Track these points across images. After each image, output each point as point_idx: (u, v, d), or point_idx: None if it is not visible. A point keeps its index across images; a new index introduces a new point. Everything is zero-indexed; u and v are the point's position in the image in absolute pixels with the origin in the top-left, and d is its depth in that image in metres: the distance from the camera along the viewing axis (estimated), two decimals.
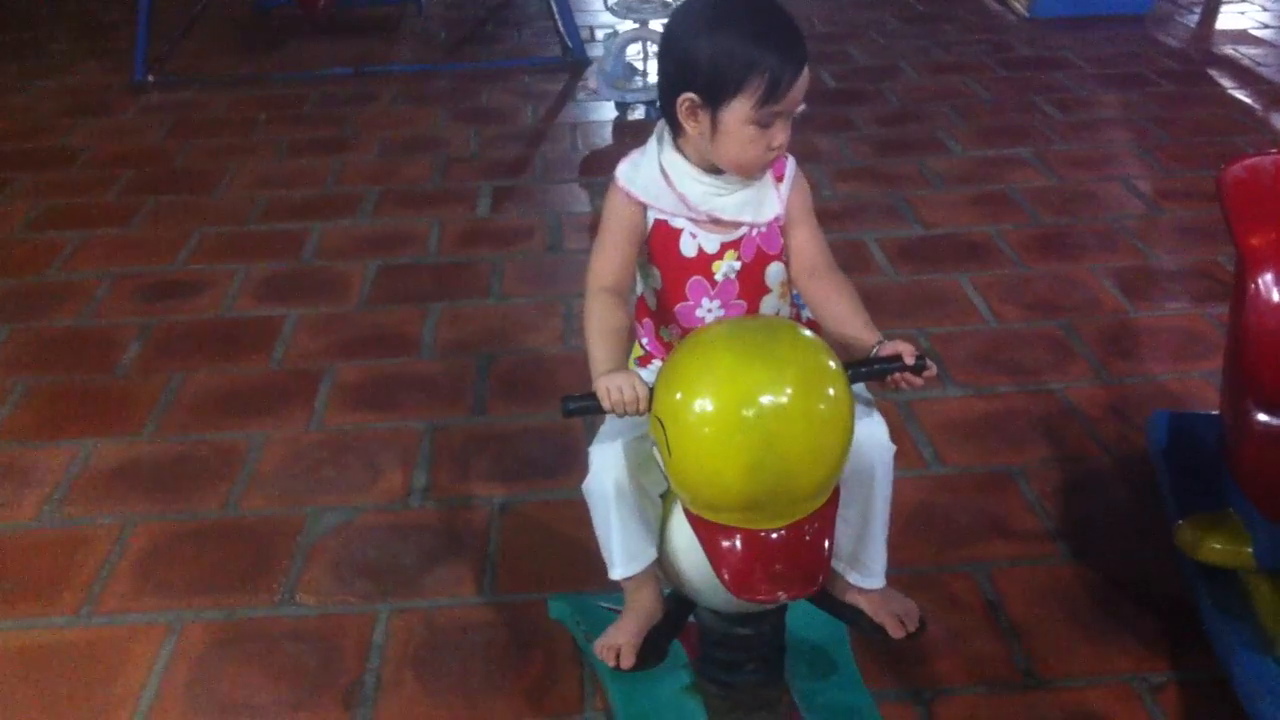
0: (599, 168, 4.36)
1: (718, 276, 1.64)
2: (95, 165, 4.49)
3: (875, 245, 3.59)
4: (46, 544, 2.44)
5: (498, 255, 3.67)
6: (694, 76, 1.54)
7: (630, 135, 4.68)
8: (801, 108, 1.56)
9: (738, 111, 1.53)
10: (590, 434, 2.65)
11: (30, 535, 2.47)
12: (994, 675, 2.05)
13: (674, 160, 1.63)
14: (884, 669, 2.04)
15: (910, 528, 2.35)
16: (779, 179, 1.65)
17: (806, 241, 1.66)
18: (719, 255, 1.63)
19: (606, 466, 1.59)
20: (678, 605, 1.76)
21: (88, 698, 2.06)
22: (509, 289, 3.46)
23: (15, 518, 2.52)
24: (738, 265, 1.63)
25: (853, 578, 1.70)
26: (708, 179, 1.61)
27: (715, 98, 1.54)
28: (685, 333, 1.69)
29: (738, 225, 1.62)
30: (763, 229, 1.63)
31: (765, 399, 1.36)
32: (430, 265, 3.63)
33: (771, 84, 1.50)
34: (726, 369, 1.40)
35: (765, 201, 1.63)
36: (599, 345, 1.60)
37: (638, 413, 1.49)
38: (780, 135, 1.55)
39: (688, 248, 1.64)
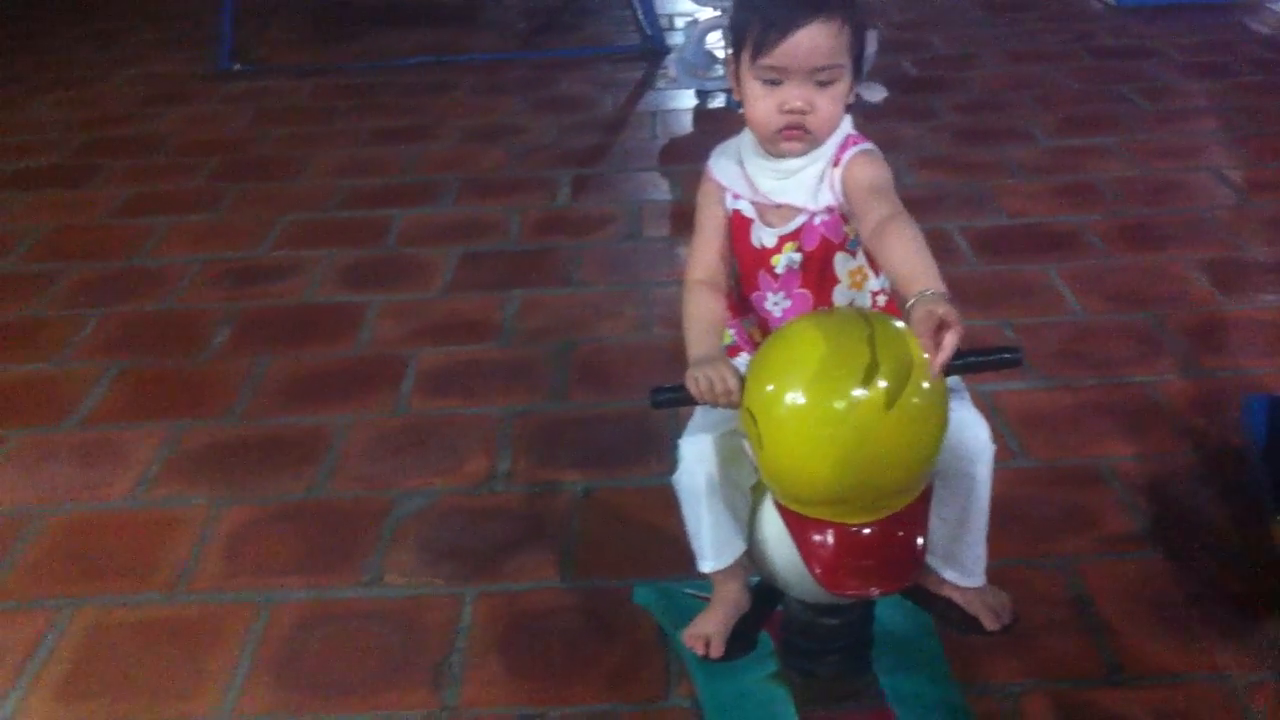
0: (678, 156, 4.36)
1: (779, 270, 1.63)
2: (181, 152, 4.57)
3: (958, 234, 3.56)
4: (139, 523, 2.49)
5: (576, 243, 3.68)
6: (730, 37, 1.59)
7: (710, 123, 4.67)
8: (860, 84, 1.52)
9: (745, 67, 1.54)
10: (672, 422, 2.67)
11: (123, 514, 2.53)
12: (1082, 671, 2.02)
13: (748, 140, 1.63)
14: (970, 662, 2.02)
15: (996, 521, 2.31)
16: (835, 163, 1.59)
17: (867, 202, 1.53)
18: (777, 249, 1.63)
19: (698, 460, 1.59)
20: (765, 595, 1.76)
21: (181, 673, 2.10)
22: (588, 277, 3.48)
23: (109, 497, 2.58)
24: (798, 256, 1.62)
25: (949, 574, 1.69)
26: (767, 161, 1.61)
27: (736, 55, 1.56)
28: (762, 323, 1.69)
29: (794, 214, 1.61)
30: (824, 216, 1.61)
31: (857, 392, 1.35)
32: (510, 253, 3.65)
33: (761, 34, 1.49)
34: (818, 362, 1.39)
35: (820, 188, 1.61)
36: (691, 333, 1.60)
37: (729, 405, 1.49)
38: (795, 97, 1.51)
39: (756, 239, 1.64)
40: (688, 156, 4.32)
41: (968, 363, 1.51)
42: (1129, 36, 5.47)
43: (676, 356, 1.61)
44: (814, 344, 1.41)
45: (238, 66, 5.51)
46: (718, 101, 4.83)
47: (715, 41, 4.99)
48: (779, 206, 1.61)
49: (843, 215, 1.61)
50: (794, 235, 1.61)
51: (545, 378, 2.96)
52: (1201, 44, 5.31)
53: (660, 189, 4.10)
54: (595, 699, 2.01)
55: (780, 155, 1.59)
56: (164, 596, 2.28)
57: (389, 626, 2.18)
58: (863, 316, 1.51)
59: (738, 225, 1.65)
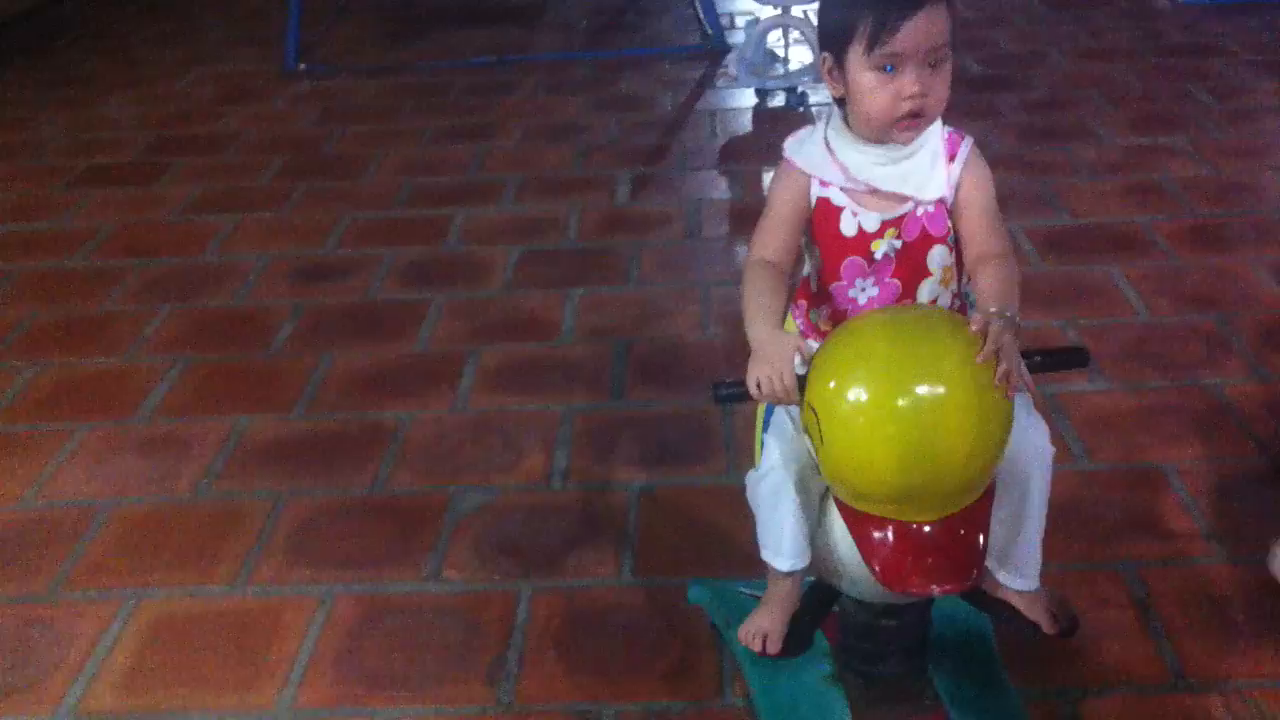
0: (738, 155, 4.36)
1: (876, 255, 1.61)
2: (248, 151, 4.63)
3: (1022, 234, 3.52)
4: (203, 516, 2.53)
5: (636, 242, 3.69)
6: (824, 35, 1.57)
7: (770, 123, 4.66)
8: (945, 58, 1.51)
9: (855, 60, 1.52)
10: (729, 422, 2.67)
11: (188, 507, 2.57)
12: (1143, 676, 2.00)
13: (838, 131, 1.61)
14: (1028, 666, 2.00)
15: (1058, 523, 2.26)
16: (951, 159, 1.60)
17: (977, 228, 1.59)
18: (879, 234, 1.60)
19: (786, 457, 1.58)
20: (822, 594, 1.75)
21: (242, 665, 2.13)
22: (647, 275, 3.48)
23: (174, 490, 2.62)
24: (898, 244, 1.60)
25: (1002, 577, 1.67)
26: (869, 149, 1.59)
27: (838, 51, 1.54)
28: (835, 314, 1.67)
29: (900, 201, 1.59)
30: (929, 208, 1.60)
31: (921, 389, 1.35)
32: (570, 251, 3.66)
33: (878, 22, 1.48)
34: (882, 358, 1.38)
35: (932, 179, 1.60)
36: (751, 310, 1.58)
37: (789, 404, 1.48)
38: (911, 83, 1.50)
39: (848, 226, 1.62)
40: (747, 156, 4.32)
41: (1034, 363, 1.50)
42: (1197, 34, 5.38)
43: (735, 355, 1.61)
44: (879, 340, 1.41)
45: (304, 66, 5.57)
46: (777, 101, 4.82)
47: (776, 41, 4.98)
48: (875, 193, 1.60)
49: (949, 209, 1.60)
50: (896, 222, 1.60)
51: (604, 376, 2.97)
52: (1270, 42, 5.22)
53: (719, 188, 4.09)
54: (651, 696, 2.02)
55: (890, 142, 1.58)
56: (226, 589, 2.32)
57: (447, 622, 2.20)
58: (929, 313, 1.51)
59: (825, 214, 1.62)
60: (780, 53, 4.95)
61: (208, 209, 4.10)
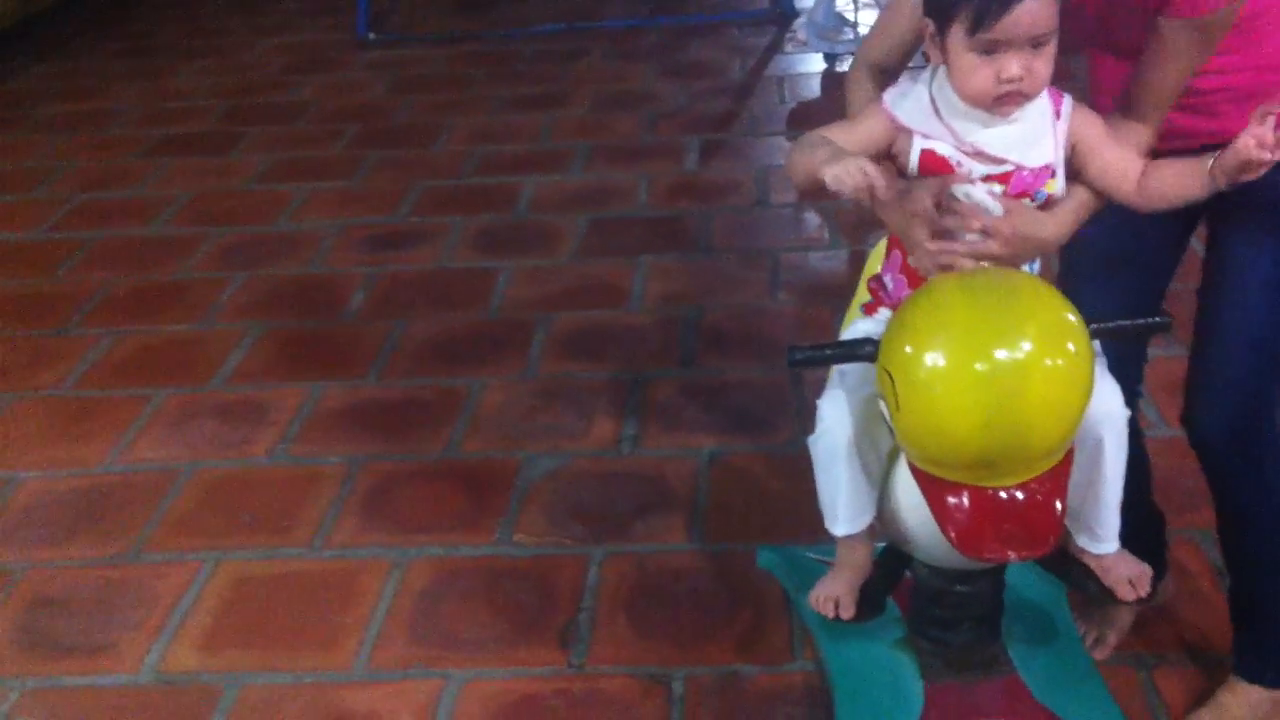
0: (807, 121, 4.31)
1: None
2: (321, 120, 4.67)
3: None
4: (280, 480, 2.58)
5: (705, 209, 3.68)
6: (928, 4, 1.52)
7: (839, 87, 4.60)
8: (1047, 39, 1.46)
9: (955, 38, 1.48)
10: (798, 389, 2.66)
11: (265, 471, 2.61)
12: (1220, 647, 1.97)
13: (944, 90, 1.58)
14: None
15: None
16: (1057, 116, 1.55)
17: (1115, 161, 1.55)
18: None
19: (838, 422, 1.57)
20: (894, 560, 1.75)
21: (320, 624, 2.17)
22: (716, 242, 3.48)
23: (251, 454, 2.66)
24: (1000, 188, 1.57)
25: (1082, 540, 1.65)
26: (976, 110, 1.56)
27: (940, 23, 1.50)
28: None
29: (1004, 161, 1.57)
30: (1034, 169, 1.57)
31: (1000, 354, 1.32)
32: (639, 219, 3.66)
33: (981, 8, 1.45)
34: (960, 323, 1.36)
35: (1039, 142, 1.55)
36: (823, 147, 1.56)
37: (869, 194, 1.44)
38: (1012, 66, 1.45)
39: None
40: (816, 121, 4.18)
41: (1114, 327, 1.47)
42: None
43: (803, 323, 1.59)
44: (956, 304, 1.38)
45: (374, 35, 5.61)
46: (846, 65, 4.75)
47: (845, 5, 4.93)
48: (981, 154, 1.56)
49: (1053, 171, 1.56)
50: (1002, 178, 1.56)
51: (673, 343, 2.97)
52: None
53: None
54: (722, 660, 2.03)
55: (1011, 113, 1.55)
56: (303, 551, 2.36)
57: (519, 585, 2.23)
58: (1008, 276, 1.48)
59: (930, 163, 1.56)
60: (850, 16, 4.90)
61: (281, 178, 4.14)
